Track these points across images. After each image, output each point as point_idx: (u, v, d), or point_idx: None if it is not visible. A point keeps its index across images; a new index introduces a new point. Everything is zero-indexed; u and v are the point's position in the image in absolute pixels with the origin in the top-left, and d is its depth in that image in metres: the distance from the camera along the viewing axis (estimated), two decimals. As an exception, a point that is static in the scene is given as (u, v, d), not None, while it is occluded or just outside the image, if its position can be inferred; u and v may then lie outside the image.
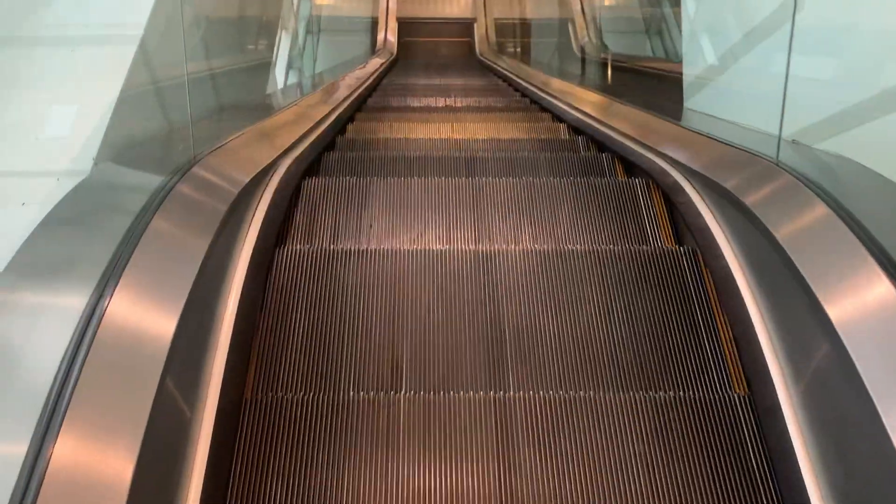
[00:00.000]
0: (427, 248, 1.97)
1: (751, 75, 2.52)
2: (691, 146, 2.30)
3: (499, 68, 8.08)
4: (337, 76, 4.93)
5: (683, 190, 2.04)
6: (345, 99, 4.14)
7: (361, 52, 7.62)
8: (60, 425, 0.85)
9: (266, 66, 3.18)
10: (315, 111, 3.16)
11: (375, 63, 7.90)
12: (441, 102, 5.21)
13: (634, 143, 2.78)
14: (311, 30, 4.39)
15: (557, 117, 4.49)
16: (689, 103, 2.98)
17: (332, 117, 3.38)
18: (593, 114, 3.62)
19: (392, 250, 1.94)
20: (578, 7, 6.60)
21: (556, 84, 5.18)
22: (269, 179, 1.97)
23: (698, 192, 1.96)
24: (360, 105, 5.00)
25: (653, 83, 4.44)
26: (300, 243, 2.12)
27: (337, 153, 3.19)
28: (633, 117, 3.22)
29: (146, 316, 1.13)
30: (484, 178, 2.57)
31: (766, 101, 2.06)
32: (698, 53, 3.21)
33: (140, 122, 1.62)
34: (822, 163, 1.72)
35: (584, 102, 4.11)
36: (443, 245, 2.15)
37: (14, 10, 1.51)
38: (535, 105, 5.37)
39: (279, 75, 3.58)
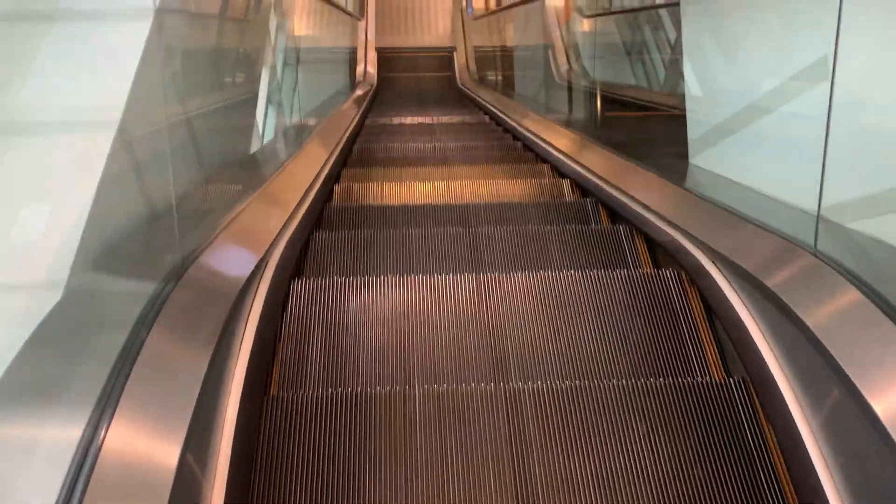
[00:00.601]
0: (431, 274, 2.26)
1: (776, 133, 2.24)
2: (714, 224, 2.14)
3: (480, 99, 8.02)
4: (322, 118, 4.81)
5: (716, 283, 1.91)
6: (335, 147, 4.06)
7: (343, 87, 7.52)
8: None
9: (251, 131, 3.04)
10: (307, 170, 3.07)
11: (357, 96, 7.82)
12: (429, 143, 5.12)
13: (641, 208, 2.68)
14: (290, 62, 4.26)
15: (542, 158, 4.41)
16: (696, 160, 2.73)
17: (325, 171, 3.35)
18: (588, 165, 3.52)
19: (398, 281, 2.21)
20: (557, 32, 6.50)
21: (538, 123, 5.07)
22: (263, 273, 1.82)
23: (737, 294, 1.82)
24: (351, 147, 4.90)
25: (645, 119, 4.33)
26: (314, 278, 2.24)
27: (336, 203, 3.31)
28: (628, 173, 3.12)
29: (147, 448, 1.08)
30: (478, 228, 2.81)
31: (795, 166, 1.91)
32: (708, 101, 2.86)
33: (121, 220, 1.47)
34: (871, 255, 1.56)
35: (571, 147, 4.03)
36: (446, 274, 2.29)
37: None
38: (519, 142, 5.29)
39: (265, 129, 3.44)
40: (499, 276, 2.28)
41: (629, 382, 1.73)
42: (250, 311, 1.57)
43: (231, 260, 1.73)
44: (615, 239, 2.76)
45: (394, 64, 10.93)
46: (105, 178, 1.39)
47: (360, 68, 9.43)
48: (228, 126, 2.65)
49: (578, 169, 3.53)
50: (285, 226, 2.24)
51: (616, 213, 3.03)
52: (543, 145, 4.42)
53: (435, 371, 1.95)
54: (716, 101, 2.75)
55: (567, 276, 2.28)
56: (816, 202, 1.60)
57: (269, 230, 2.07)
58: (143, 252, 1.50)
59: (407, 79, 10.70)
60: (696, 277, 2.07)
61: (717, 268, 1.92)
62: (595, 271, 2.30)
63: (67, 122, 1.47)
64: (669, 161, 3.06)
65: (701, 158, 2.70)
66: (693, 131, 2.74)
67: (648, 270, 2.52)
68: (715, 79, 2.83)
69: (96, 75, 1.57)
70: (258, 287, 1.73)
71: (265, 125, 3.72)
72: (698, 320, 2.11)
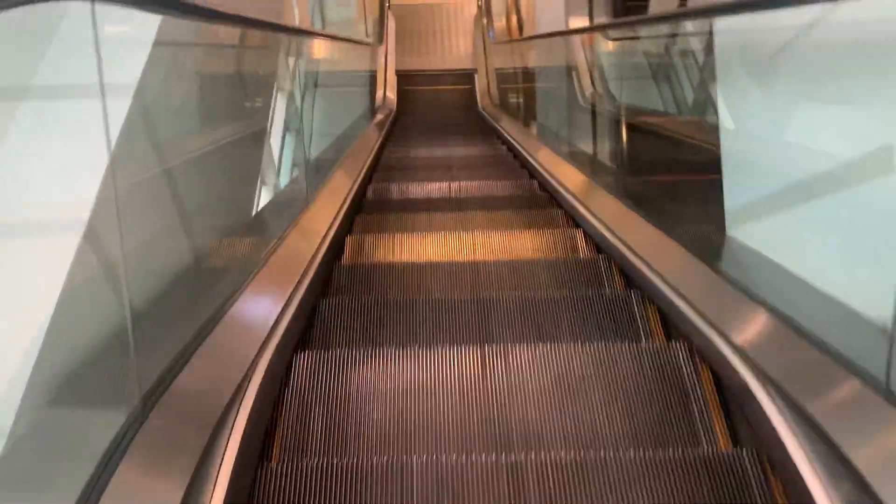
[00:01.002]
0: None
1: (835, 211, 1.85)
2: (764, 334, 1.85)
3: (500, 129, 7.94)
4: (335, 162, 4.75)
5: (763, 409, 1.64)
6: (347, 194, 4.05)
7: (361, 118, 7.48)
8: None
9: (252, 197, 2.96)
10: (315, 232, 3.01)
11: (376, 123, 7.82)
12: (444, 183, 5.08)
13: (676, 296, 2.36)
14: (302, 110, 4.20)
15: (558, 203, 4.31)
16: (734, 231, 2.33)
17: (335, 228, 3.37)
18: (608, 223, 3.32)
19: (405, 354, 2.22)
20: (581, 55, 6.33)
21: (557, 165, 4.93)
22: (240, 406, 1.65)
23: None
24: (365, 189, 4.86)
25: (675, 153, 3.86)
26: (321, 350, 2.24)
27: (346, 261, 3.23)
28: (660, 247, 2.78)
29: None
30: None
31: (863, 261, 1.63)
32: (748, 163, 2.37)
33: (81, 349, 1.35)
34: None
35: (588, 197, 3.86)
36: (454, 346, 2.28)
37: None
38: (535, 180, 5.21)
39: (271, 183, 3.38)
40: (506, 349, 2.25)
41: (636, 454, 1.71)
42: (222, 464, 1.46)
43: (205, 395, 1.60)
44: (627, 307, 2.68)
45: (414, 86, 10.87)
46: (66, 295, 1.27)
47: (379, 93, 9.40)
48: (227, 198, 2.58)
49: (598, 227, 3.39)
50: (277, 323, 2.13)
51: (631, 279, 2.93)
52: (563, 192, 4.29)
53: (438, 447, 1.93)
54: (758, 164, 2.36)
55: (577, 349, 2.24)
56: (891, 317, 1.25)
57: (255, 339, 1.96)
58: (109, 386, 1.37)
59: (427, 102, 10.64)
60: (742, 401, 1.84)
61: (774, 403, 1.61)
62: (606, 344, 2.25)
63: (31, 223, 1.34)
64: (701, 219, 2.88)
65: (740, 230, 2.35)
66: (730, 199, 2.37)
67: (661, 343, 2.43)
68: (758, 135, 2.41)
69: (61, 166, 1.45)
70: (233, 428, 1.59)
71: (277, 172, 3.68)
72: (709, 398, 2.06)
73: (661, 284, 2.47)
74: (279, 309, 2.26)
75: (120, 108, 1.53)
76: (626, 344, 2.28)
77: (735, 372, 1.80)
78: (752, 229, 2.30)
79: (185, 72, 2.36)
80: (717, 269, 2.30)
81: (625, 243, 2.98)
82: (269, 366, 1.85)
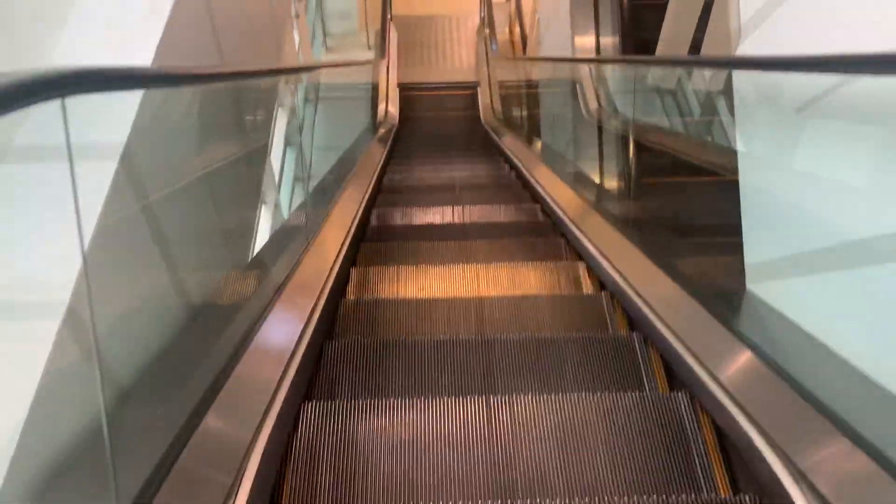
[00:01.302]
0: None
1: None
2: (797, 424, 1.66)
3: (503, 147, 7.94)
4: (342, 181, 4.75)
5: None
6: (350, 226, 4.03)
7: (366, 131, 7.47)
8: None
9: (249, 243, 2.93)
10: (317, 277, 2.98)
11: (379, 136, 7.84)
12: (448, 206, 5.09)
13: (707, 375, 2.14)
14: (303, 141, 4.20)
15: (560, 232, 4.32)
16: (755, 287, 2.11)
17: (339, 264, 3.30)
18: (618, 267, 3.25)
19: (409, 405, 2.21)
20: (586, 71, 6.29)
21: (561, 192, 4.91)
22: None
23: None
24: (368, 215, 4.86)
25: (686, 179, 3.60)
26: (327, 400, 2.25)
27: (350, 297, 3.24)
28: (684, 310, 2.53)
29: None
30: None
31: None
32: (772, 214, 2.04)
33: (61, 443, 1.18)
34: None
35: (591, 231, 3.83)
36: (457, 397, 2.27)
37: None
38: (538, 204, 5.21)
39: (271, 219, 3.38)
40: (510, 398, 2.26)
41: (639, 500, 1.74)
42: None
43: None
44: (630, 351, 2.69)
45: (416, 99, 10.85)
46: (46, 385, 1.19)
47: (381, 108, 9.41)
48: (229, 243, 2.57)
49: (602, 262, 3.37)
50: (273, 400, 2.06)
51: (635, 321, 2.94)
52: (565, 220, 4.28)
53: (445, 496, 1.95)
54: (791, 208, 2.05)
55: (580, 398, 2.25)
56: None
57: (263, 397, 1.96)
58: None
59: (429, 116, 10.60)
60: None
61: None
62: (609, 394, 2.27)
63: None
64: (716, 265, 2.81)
65: (762, 288, 2.12)
66: (753, 248, 2.16)
67: (664, 393, 2.45)
68: (790, 167, 2.06)
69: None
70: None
71: (277, 193, 3.69)
72: (710, 449, 2.08)
73: (668, 333, 2.48)
74: (286, 358, 2.26)
75: (107, 169, 1.51)
76: (630, 393, 2.29)
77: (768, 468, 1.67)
78: (776, 285, 2.09)
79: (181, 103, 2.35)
80: (730, 324, 2.17)
81: (630, 284, 2.96)
82: (277, 421, 1.87)
